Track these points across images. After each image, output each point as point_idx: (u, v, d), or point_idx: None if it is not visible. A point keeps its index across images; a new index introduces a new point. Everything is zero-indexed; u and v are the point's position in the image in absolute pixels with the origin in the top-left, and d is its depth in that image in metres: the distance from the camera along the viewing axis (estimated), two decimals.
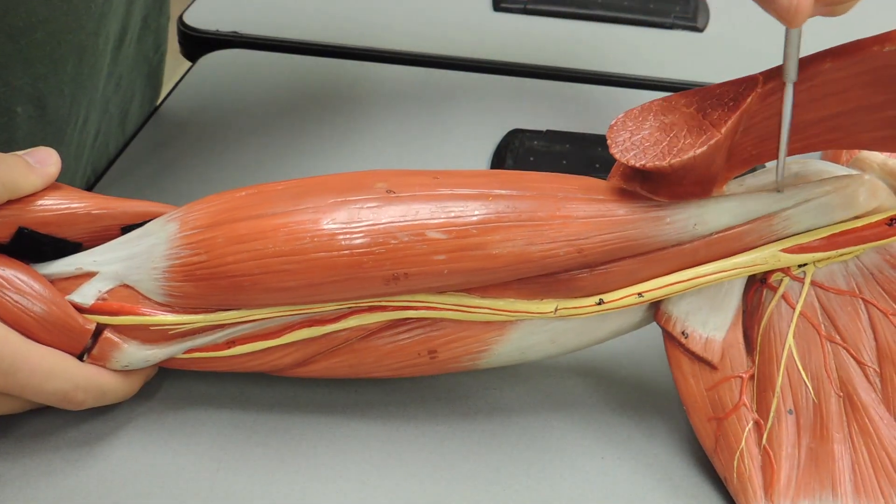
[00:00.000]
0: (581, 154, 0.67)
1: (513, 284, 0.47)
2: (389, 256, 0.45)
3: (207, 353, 0.48)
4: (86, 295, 0.47)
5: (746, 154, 0.47)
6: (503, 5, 0.84)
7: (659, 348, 0.49)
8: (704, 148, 0.43)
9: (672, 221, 0.46)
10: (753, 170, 0.49)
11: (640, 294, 0.47)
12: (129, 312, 0.47)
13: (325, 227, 0.45)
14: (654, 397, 0.52)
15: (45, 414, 0.49)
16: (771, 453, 0.46)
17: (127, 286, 0.47)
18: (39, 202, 0.47)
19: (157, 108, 0.74)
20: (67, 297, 0.47)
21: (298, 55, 0.78)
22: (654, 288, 0.47)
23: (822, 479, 0.45)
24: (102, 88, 0.66)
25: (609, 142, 0.45)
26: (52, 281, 0.47)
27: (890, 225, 0.46)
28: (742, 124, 0.45)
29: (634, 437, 0.50)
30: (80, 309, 0.47)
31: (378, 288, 0.46)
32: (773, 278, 0.48)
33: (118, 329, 0.47)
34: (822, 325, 0.47)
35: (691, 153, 0.44)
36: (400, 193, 0.46)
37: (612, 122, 0.46)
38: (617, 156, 0.45)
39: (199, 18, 0.81)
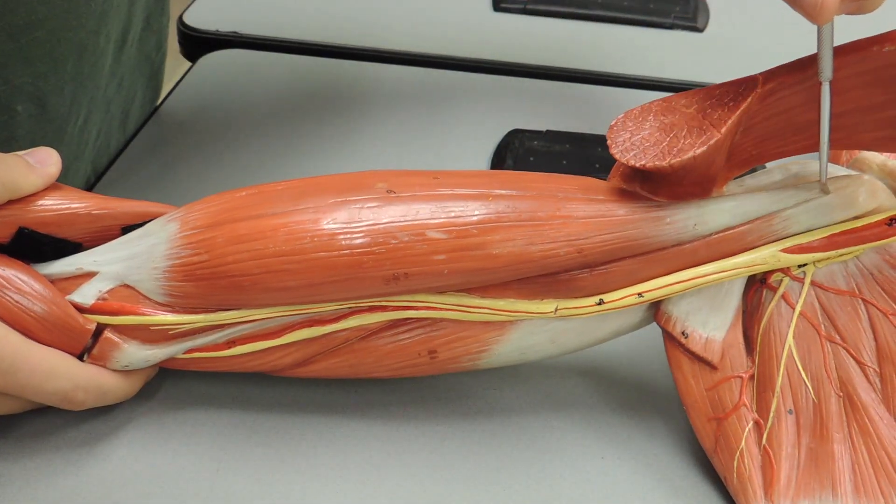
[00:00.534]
0: (581, 154, 0.67)
1: (513, 284, 0.47)
2: (389, 256, 0.45)
3: (208, 353, 0.48)
4: (86, 295, 0.47)
5: (746, 154, 0.47)
6: (503, 5, 0.84)
7: (659, 348, 0.49)
8: (704, 148, 0.44)
9: (672, 221, 0.46)
10: (753, 170, 0.49)
11: (640, 294, 0.47)
12: (130, 312, 0.47)
13: (326, 226, 0.45)
14: (654, 397, 0.52)
15: (45, 414, 0.49)
16: (771, 453, 0.46)
17: (127, 286, 0.47)
18: (40, 202, 0.47)
19: (157, 108, 0.74)
20: (68, 297, 0.47)
21: (298, 55, 0.78)
22: (654, 288, 0.47)
23: (822, 479, 0.45)
24: (104, 89, 0.66)
25: (609, 142, 0.46)
26: (53, 281, 0.47)
27: (889, 225, 0.46)
28: (742, 124, 0.45)
29: (634, 437, 0.50)
30: (81, 309, 0.47)
31: (378, 288, 0.46)
32: (773, 278, 0.48)
33: (118, 329, 0.47)
34: (822, 326, 0.47)
35: (691, 153, 0.44)
36: (400, 193, 0.46)
37: (612, 123, 0.46)
38: (617, 156, 0.45)
39: (199, 18, 0.81)
